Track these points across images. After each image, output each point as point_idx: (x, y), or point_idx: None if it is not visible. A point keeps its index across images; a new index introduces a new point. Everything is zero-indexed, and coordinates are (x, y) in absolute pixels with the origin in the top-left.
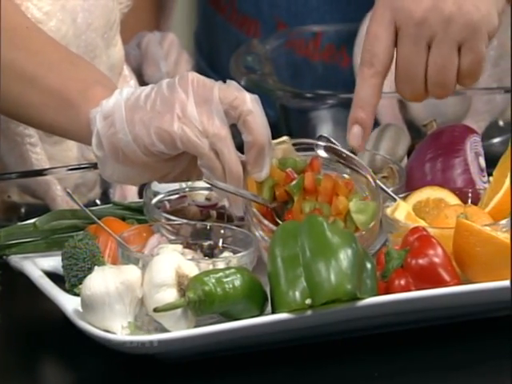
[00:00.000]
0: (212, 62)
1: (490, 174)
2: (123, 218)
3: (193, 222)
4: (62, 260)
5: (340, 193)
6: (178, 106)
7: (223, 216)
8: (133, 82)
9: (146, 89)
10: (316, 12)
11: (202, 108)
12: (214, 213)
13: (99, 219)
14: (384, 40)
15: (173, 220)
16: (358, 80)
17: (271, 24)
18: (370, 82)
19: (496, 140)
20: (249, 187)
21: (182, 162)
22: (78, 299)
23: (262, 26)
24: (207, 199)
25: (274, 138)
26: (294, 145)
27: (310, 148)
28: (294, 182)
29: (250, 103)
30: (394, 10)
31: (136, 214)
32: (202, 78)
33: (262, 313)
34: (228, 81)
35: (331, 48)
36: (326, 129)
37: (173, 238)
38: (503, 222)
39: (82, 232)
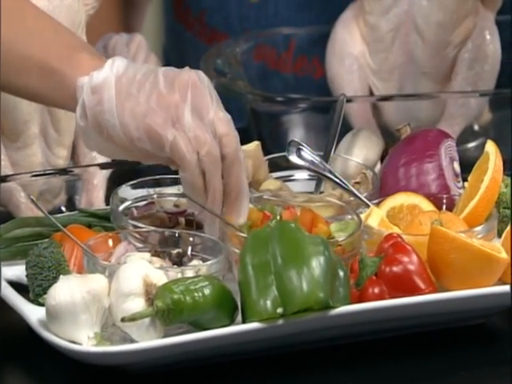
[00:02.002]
0: None
1: (464, 180)
2: (89, 226)
3: (161, 230)
4: (26, 269)
5: (319, 222)
6: (173, 109)
7: (192, 223)
8: None
9: (140, 71)
10: (286, 23)
11: (197, 120)
12: (182, 220)
13: (64, 227)
14: None
15: (140, 227)
16: None
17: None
18: None
19: (471, 145)
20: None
21: (165, 158)
22: (42, 309)
23: (231, 39)
24: (176, 206)
25: (244, 142)
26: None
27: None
28: (273, 219)
29: (237, 147)
30: None
31: (103, 221)
32: (199, 83)
33: (232, 322)
34: (220, 105)
35: (303, 60)
36: (297, 133)
37: (140, 245)
38: (478, 228)
39: (46, 240)
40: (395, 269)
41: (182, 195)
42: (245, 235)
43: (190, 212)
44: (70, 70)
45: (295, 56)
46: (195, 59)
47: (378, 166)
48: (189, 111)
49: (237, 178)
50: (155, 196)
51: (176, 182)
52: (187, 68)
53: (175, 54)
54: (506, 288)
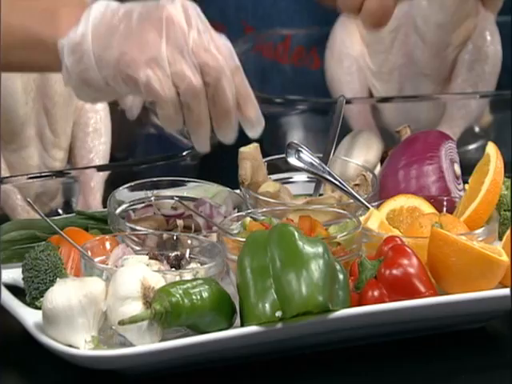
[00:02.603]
0: None
1: (465, 182)
2: (86, 228)
3: (158, 232)
4: (23, 272)
5: (317, 227)
6: (149, 47)
7: (190, 226)
8: None
9: (117, 15)
10: (284, 14)
11: (175, 55)
12: (180, 222)
13: (61, 229)
14: None
15: (138, 230)
16: None
17: (238, 28)
18: None
19: (471, 146)
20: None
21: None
22: (39, 313)
23: (228, 30)
24: (173, 208)
25: (242, 144)
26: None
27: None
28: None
29: (219, 79)
30: None
31: (100, 223)
32: (177, 16)
33: (230, 326)
34: (202, 32)
35: (301, 51)
36: (296, 135)
37: (138, 248)
38: (479, 231)
39: (43, 243)
40: (395, 272)
41: (180, 197)
42: (242, 239)
43: (188, 215)
44: (50, 31)
45: (292, 46)
46: None
47: (378, 168)
48: (165, 47)
49: (221, 104)
50: (152, 198)
51: (174, 184)
52: (163, 1)
53: None
54: (506, 291)
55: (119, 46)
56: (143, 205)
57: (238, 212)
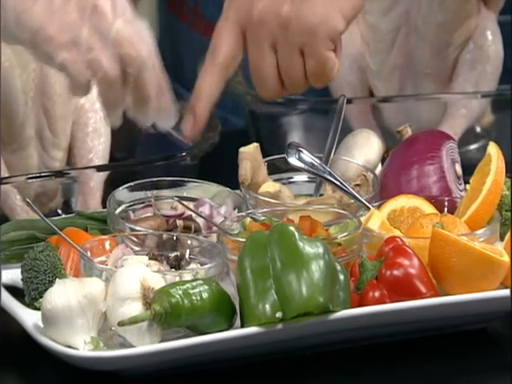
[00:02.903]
0: (175, 72)
1: (466, 182)
2: (86, 229)
3: (158, 233)
4: (22, 272)
5: (318, 227)
6: (72, 30)
7: (190, 226)
8: None
9: None
10: None
11: (97, 42)
12: (180, 223)
13: (61, 230)
14: (226, 37)
15: (137, 230)
16: (200, 72)
17: None
18: (210, 72)
19: (473, 146)
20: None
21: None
22: (38, 313)
23: None
24: (173, 208)
25: (242, 144)
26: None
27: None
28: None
29: (141, 65)
30: (235, 9)
31: (100, 224)
32: (103, 4)
33: (230, 326)
34: (127, 22)
35: None
36: (296, 135)
37: (138, 249)
38: (480, 231)
39: (42, 243)
40: (396, 272)
41: (180, 197)
42: (242, 240)
43: (188, 215)
44: None
45: None
46: (189, 51)
47: (379, 168)
48: (86, 31)
49: (141, 94)
50: (152, 199)
51: (174, 185)
52: None
53: (169, 47)
54: (507, 292)
55: (38, 17)
56: (143, 205)
57: (238, 212)
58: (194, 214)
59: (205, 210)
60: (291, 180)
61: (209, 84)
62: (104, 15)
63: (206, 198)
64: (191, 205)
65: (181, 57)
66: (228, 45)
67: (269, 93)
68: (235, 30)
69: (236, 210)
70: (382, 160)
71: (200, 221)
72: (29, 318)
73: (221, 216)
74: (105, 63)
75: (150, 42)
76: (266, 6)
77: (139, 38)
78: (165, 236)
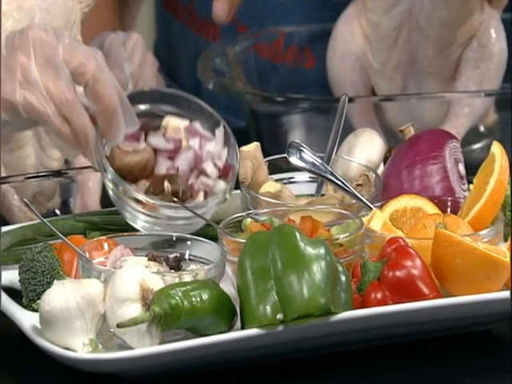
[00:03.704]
0: (171, 70)
1: (470, 182)
2: (85, 233)
3: (154, 233)
4: (20, 274)
5: (319, 228)
6: (19, 71)
7: (178, 190)
8: None
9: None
10: (277, 12)
11: (47, 72)
12: (168, 186)
13: (59, 231)
14: None
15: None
16: None
17: (231, 27)
18: None
19: (476, 146)
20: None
21: (29, 126)
22: (36, 315)
23: (221, 29)
24: (164, 128)
25: (243, 143)
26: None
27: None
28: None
29: (96, 70)
30: None
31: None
32: (44, 35)
33: (230, 328)
34: (73, 42)
35: (294, 50)
36: (297, 135)
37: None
38: (484, 232)
39: (40, 244)
40: (398, 273)
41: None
42: (242, 241)
43: (176, 173)
44: None
45: (286, 45)
46: (184, 51)
47: (381, 168)
48: (34, 66)
49: (103, 100)
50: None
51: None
52: (30, 27)
53: (164, 45)
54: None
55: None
56: (133, 131)
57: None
58: (180, 169)
59: (195, 142)
60: (292, 180)
61: None
62: (46, 42)
63: (198, 124)
64: (182, 127)
65: (176, 55)
66: None
67: None
68: None
69: (226, 150)
70: (385, 159)
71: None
72: (26, 319)
73: (209, 160)
74: (60, 87)
75: (99, 56)
76: None
77: (86, 51)
78: (164, 237)
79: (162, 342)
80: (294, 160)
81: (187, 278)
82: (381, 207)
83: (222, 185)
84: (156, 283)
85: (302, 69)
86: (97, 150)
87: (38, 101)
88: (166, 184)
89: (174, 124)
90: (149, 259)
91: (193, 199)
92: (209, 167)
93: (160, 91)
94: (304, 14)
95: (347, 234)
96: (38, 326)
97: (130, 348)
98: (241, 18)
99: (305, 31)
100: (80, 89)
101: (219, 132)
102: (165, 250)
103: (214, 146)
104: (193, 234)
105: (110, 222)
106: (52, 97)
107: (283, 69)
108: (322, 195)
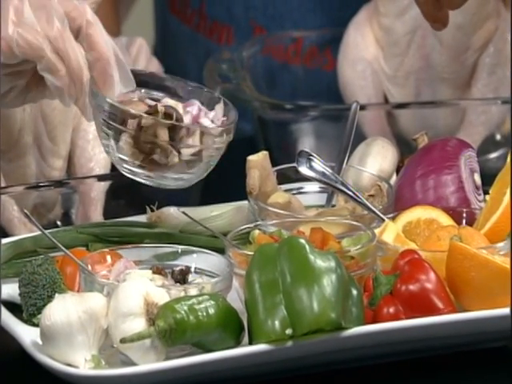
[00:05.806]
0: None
1: (486, 193)
2: (87, 244)
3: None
4: (20, 287)
5: (329, 240)
6: (12, 11)
7: (171, 114)
8: None
9: None
10: (297, 12)
11: (41, 12)
12: (162, 108)
13: (60, 243)
14: None
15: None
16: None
17: (246, 29)
18: None
19: (492, 155)
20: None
21: (23, 75)
22: (36, 330)
23: (235, 31)
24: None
25: (251, 152)
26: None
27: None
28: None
29: (90, 15)
30: None
31: (103, 239)
32: None
33: (238, 344)
34: None
35: (314, 51)
36: (307, 143)
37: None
38: (500, 244)
39: (40, 257)
40: (412, 287)
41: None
42: (250, 253)
43: (170, 106)
44: None
45: (305, 46)
46: (192, 56)
47: (394, 178)
48: (28, 7)
49: (98, 46)
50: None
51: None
52: None
53: (168, 52)
54: None
55: None
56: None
57: (227, 120)
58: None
59: (193, 110)
60: (302, 190)
61: None
62: None
63: (196, 101)
64: (180, 105)
65: (183, 61)
66: None
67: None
68: None
69: (226, 118)
70: (397, 169)
71: (187, 118)
72: (27, 334)
73: (208, 119)
74: (54, 25)
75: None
76: None
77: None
78: (168, 249)
79: (167, 358)
80: (304, 169)
81: (193, 291)
82: (393, 218)
83: (217, 129)
84: (161, 297)
85: (321, 71)
86: (90, 98)
87: (32, 36)
88: (160, 107)
89: (172, 103)
90: (153, 272)
91: (188, 137)
92: (206, 123)
93: (157, 76)
94: (323, 15)
95: (359, 247)
96: (39, 341)
97: (134, 364)
98: (257, 19)
99: (327, 32)
100: None
101: (219, 107)
102: (170, 263)
103: (213, 116)
104: (199, 247)
105: (113, 234)
106: (47, 34)
107: (300, 71)
108: (333, 206)
